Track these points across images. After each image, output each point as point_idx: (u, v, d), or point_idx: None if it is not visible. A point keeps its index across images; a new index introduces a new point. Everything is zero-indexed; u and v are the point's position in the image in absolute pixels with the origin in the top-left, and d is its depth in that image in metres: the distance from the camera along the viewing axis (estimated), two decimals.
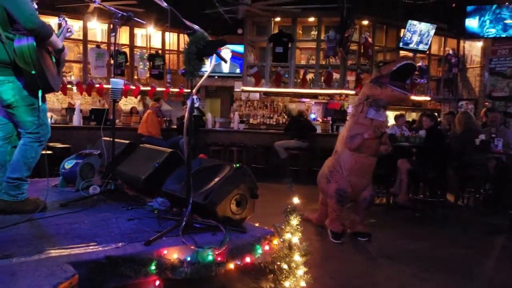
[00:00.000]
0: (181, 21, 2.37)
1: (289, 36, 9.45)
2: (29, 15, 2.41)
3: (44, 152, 2.77)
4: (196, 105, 2.40)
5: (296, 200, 2.41)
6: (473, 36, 9.10)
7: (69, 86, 8.95)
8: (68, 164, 3.43)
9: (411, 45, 9.97)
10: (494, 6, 8.54)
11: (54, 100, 10.14)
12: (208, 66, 2.40)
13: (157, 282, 1.99)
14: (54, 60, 2.72)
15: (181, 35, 10.37)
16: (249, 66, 10.01)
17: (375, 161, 4.29)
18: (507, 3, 8.44)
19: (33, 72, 2.48)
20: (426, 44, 10.11)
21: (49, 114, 8.38)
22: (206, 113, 9.80)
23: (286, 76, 10.03)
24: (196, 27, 2.27)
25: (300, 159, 8.11)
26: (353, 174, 4.23)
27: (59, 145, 6.29)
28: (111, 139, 3.23)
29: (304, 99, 11.59)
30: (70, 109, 8.75)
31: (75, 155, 3.56)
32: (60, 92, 9.17)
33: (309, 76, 9.96)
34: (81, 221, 2.51)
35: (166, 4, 2.32)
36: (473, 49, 10.67)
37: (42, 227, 2.39)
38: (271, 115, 11.49)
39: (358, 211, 4.42)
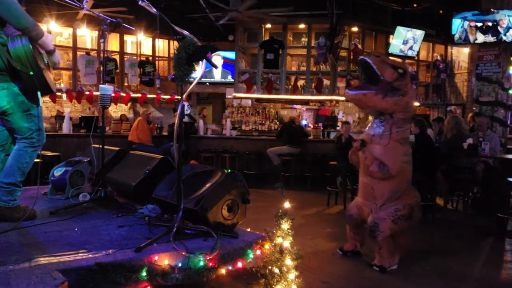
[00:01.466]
0: (171, 27, 2.39)
1: (280, 43, 9.52)
2: (21, 14, 2.40)
3: (36, 160, 2.74)
4: (188, 112, 2.40)
5: (287, 205, 2.42)
6: (459, 42, 9.25)
7: (58, 93, 8.90)
8: (57, 171, 3.40)
9: (399, 51, 10.10)
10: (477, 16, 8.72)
11: (44, 108, 10.06)
12: (198, 71, 2.41)
13: None
14: (46, 61, 2.70)
15: (172, 42, 10.40)
16: (240, 73, 10.05)
17: (373, 182, 3.62)
18: (492, 9, 8.59)
19: (31, 73, 2.45)
20: (415, 50, 10.25)
21: None
22: (198, 120, 9.80)
23: (278, 82, 10.08)
24: (185, 32, 2.27)
25: (292, 165, 8.13)
26: (359, 194, 3.92)
27: (48, 153, 6.24)
28: (101, 146, 3.21)
29: (295, 105, 11.65)
30: (60, 116, 8.70)
31: (64, 162, 3.54)
32: (49, 100, 9.12)
33: (300, 82, 10.03)
34: (71, 229, 2.49)
35: (155, 10, 2.33)
36: (461, 55, 10.83)
37: (31, 234, 2.36)
38: (263, 122, 11.52)
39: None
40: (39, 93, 2.58)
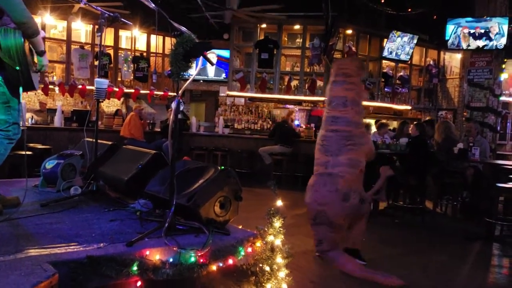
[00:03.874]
0: (168, 23, 2.38)
1: (275, 43, 9.53)
2: (21, 9, 2.37)
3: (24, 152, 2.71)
4: (181, 108, 2.40)
5: (279, 203, 2.43)
6: (452, 48, 9.34)
7: (51, 86, 8.81)
8: (49, 164, 3.37)
9: (393, 55, 10.17)
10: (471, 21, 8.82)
11: (35, 101, 9.97)
12: (194, 68, 2.41)
13: (139, 283, 1.97)
14: (35, 61, 2.67)
15: (167, 38, 10.35)
16: (234, 71, 10.05)
17: None
18: (485, 16, 8.69)
19: (17, 68, 2.44)
20: (408, 54, 10.33)
21: (29, 115, 8.27)
22: (190, 117, 9.78)
23: (271, 82, 10.09)
24: (183, 28, 2.28)
25: (283, 165, 8.15)
26: None
27: (39, 146, 6.19)
28: (94, 140, 3.19)
29: (288, 105, 11.67)
30: (50, 109, 8.63)
31: (56, 155, 3.51)
32: (41, 93, 9.04)
33: (294, 83, 10.05)
34: (62, 221, 2.47)
35: (154, 5, 2.32)
36: (453, 60, 10.94)
37: (22, 226, 2.35)
38: (256, 121, 11.52)
39: None
40: (21, 88, 2.54)
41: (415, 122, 6.87)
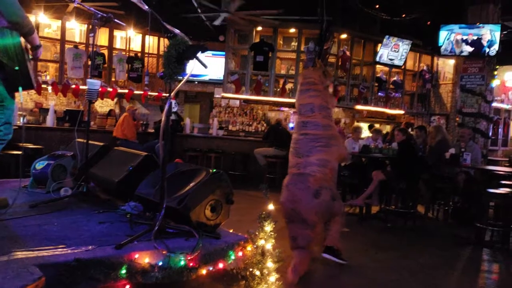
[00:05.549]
0: (162, 25, 2.37)
1: (270, 46, 9.54)
2: (15, 9, 2.34)
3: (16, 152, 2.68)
4: (175, 109, 2.39)
5: (271, 207, 2.43)
6: (445, 54, 9.41)
7: (44, 86, 8.75)
8: (39, 164, 3.35)
9: (387, 60, 10.22)
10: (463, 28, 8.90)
11: (28, 100, 9.89)
12: (188, 70, 2.40)
13: (127, 287, 1.96)
14: (29, 57, 2.66)
15: (162, 39, 10.33)
16: (230, 73, 10.04)
17: None
18: (478, 23, 8.77)
19: (17, 68, 2.42)
20: (402, 59, 10.38)
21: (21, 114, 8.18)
22: (185, 119, 9.76)
23: (266, 84, 10.10)
24: (176, 31, 2.27)
25: (277, 167, 8.15)
26: None
27: (30, 146, 6.13)
28: (85, 140, 3.17)
29: (283, 108, 11.69)
30: (44, 109, 8.56)
31: (47, 156, 3.48)
32: (34, 92, 8.98)
33: (289, 85, 10.07)
34: (51, 223, 2.45)
35: (147, 7, 2.31)
36: (446, 66, 11.02)
37: (9, 228, 2.32)
38: (250, 123, 11.52)
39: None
40: (20, 88, 2.52)
41: (398, 128, 6.91)
